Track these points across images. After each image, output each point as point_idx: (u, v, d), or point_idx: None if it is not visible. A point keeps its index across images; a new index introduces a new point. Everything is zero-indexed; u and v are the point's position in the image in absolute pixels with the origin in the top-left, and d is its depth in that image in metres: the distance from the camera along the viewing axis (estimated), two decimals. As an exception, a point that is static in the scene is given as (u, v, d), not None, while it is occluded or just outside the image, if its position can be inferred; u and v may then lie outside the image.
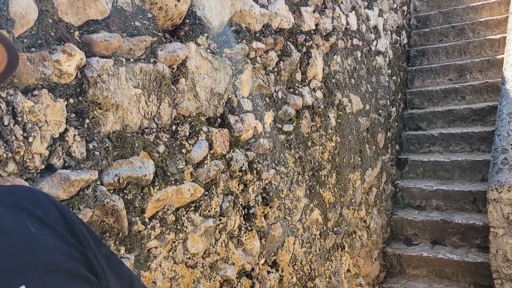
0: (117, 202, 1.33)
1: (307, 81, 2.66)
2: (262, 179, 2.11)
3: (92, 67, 1.28)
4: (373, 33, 4.00)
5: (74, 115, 1.26)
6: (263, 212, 2.11)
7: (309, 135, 2.61)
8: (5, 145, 1.08)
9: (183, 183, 1.60)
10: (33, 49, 1.15)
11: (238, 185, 1.94)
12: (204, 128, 1.75)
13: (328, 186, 2.81)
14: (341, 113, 3.08)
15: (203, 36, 1.77)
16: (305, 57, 2.64)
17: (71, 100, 1.24)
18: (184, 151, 1.63)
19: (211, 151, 1.77)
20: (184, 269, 1.61)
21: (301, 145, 2.50)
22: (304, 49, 2.63)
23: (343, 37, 3.24)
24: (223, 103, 1.88)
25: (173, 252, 1.56)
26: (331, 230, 2.83)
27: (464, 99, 4.65)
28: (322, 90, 2.83)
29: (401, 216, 4.04)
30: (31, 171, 1.15)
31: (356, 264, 3.25)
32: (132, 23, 1.45)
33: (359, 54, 3.59)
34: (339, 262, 2.94)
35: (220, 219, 1.82)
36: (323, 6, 2.95)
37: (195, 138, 1.69)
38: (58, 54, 1.19)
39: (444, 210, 3.96)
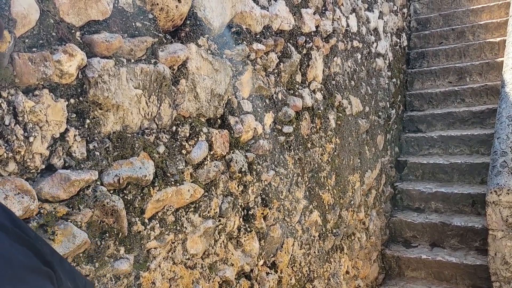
0: (117, 203, 1.33)
1: (307, 82, 2.66)
2: (261, 180, 2.11)
3: (93, 67, 1.28)
4: (373, 35, 4.01)
5: (75, 115, 1.26)
6: (263, 213, 2.11)
7: (308, 137, 2.61)
8: (5, 144, 1.08)
9: (183, 184, 1.61)
10: (34, 49, 1.15)
11: (238, 186, 1.94)
12: (204, 129, 1.75)
13: (327, 188, 2.81)
14: (341, 115, 3.09)
15: (203, 37, 1.78)
16: (305, 59, 2.65)
17: (72, 100, 1.24)
18: (184, 152, 1.63)
19: (211, 152, 1.77)
20: (183, 270, 1.61)
21: (300, 146, 2.51)
22: (304, 51, 2.64)
23: (343, 39, 3.25)
24: (223, 104, 1.88)
25: (172, 253, 1.56)
26: (330, 231, 2.83)
27: (464, 101, 4.66)
28: (322, 91, 2.83)
29: (400, 218, 4.05)
30: (31, 171, 1.15)
31: (355, 266, 3.25)
32: (133, 24, 1.46)
33: (359, 56, 3.59)
34: (338, 264, 2.94)
35: (219, 220, 1.82)
36: (323, 8, 2.96)
37: (195, 139, 1.69)
38: (59, 54, 1.19)
39: (443, 212, 3.96)
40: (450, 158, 4.24)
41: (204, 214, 1.72)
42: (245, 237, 1.97)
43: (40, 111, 1.15)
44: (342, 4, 3.29)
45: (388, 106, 4.33)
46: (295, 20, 2.54)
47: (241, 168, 1.95)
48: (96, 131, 1.31)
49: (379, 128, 3.96)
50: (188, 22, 1.71)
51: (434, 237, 3.83)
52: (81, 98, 1.27)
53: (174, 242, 1.57)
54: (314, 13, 2.79)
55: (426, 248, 3.84)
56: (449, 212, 3.94)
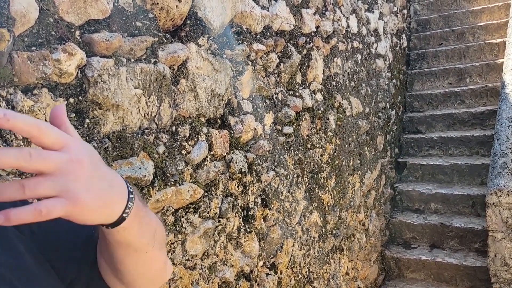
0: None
1: (307, 83, 2.65)
2: (261, 181, 2.10)
3: (92, 66, 1.27)
4: (374, 36, 4.01)
5: (74, 114, 1.25)
6: (262, 214, 2.10)
7: (309, 137, 2.60)
8: (4, 144, 1.07)
9: (183, 184, 1.60)
10: (33, 48, 1.14)
11: (238, 186, 1.94)
12: (204, 129, 1.74)
13: (327, 189, 2.80)
14: (341, 115, 3.08)
15: (204, 37, 1.77)
16: (306, 59, 2.64)
17: (71, 100, 1.24)
18: (184, 152, 1.63)
19: (211, 152, 1.77)
20: (183, 271, 1.60)
21: (300, 147, 2.50)
22: (305, 51, 2.63)
23: (343, 39, 3.24)
24: (223, 104, 1.87)
25: (172, 253, 1.55)
26: (330, 232, 2.83)
27: (464, 103, 4.65)
28: (322, 92, 2.83)
29: (399, 219, 4.04)
30: (30, 172, 1.14)
31: (354, 267, 3.24)
32: (133, 23, 1.45)
33: (359, 57, 3.59)
34: (338, 265, 2.94)
35: (219, 221, 1.81)
36: (323, 9, 2.95)
37: (195, 139, 1.69)
38: (59, 54, 1.18)
39: (443, 213, 3.96)
40: (450, 159, 4.24)
41: (203, 214, 1.71)
42: (244, 238, 1.97)
43: (39, 110, 1.14)
44: (343, 5, 3.28)
45: (388, 107, 4.32)
46: (295, 21, 2.53)
47: (241, 168, 1.94)
48: (95, 131, 1.31)
49: (379, 129, 3.96)
50: (188, 21, 1.70)
51: (434, 238, 3.82)
52: (80, 98, 1.26)
53: (173, 243, 1.56)
54: (315, 14, 2.78)
55: (425, 249, 3.83)
56: (449, 213, 3.94)
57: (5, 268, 0.57)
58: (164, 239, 0.74)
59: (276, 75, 2.32)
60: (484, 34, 5.06)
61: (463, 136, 4.28)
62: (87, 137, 1.28)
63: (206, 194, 1.73)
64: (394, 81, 4.59)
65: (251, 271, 2.01)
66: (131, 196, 0.57)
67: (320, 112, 2.76)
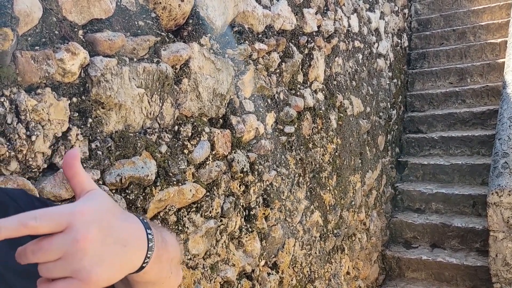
0: (119, 202, 1.32)
1: (308, 82, 2.65)
2: (263, 181, 2.10)
3: (95, 66, 1.27)
4: (375, 36, 4.01)
5: (77, 114, 1.25)
6: (264, 213, 2.11)
7: (310, 137, 2.60)
8: (8, 143, 1.07)
9: (185, 184, 1.60)
10: (37, 47, 1.14)
11: (240, 186, 1.94)
12: (206, 129, 1.74)
13: (328, 188, 2.81)
14: (342, 115, 3.08)
15: (206, 36, 1.77)
16: (307, 59, 2.64)
17: (74, 99, 1.24)
18: (186, 151, 1.63)
19: (213, 152, 1.77)
20: (185, 270, 1.60)
21: (302, 146, 2.50)
22: (306, 51, 2.63)
23: (344, 39, 3.24)
24: (225, 103, 1.87)
25: (174, 253, 1.56)
26: (331, 232, 2.83)
27: (465, 102, 4.65)
28: (323, 92, 2.83)
29: (400, 219, 4.04)
30: (33, 170, 1.14)
31: (355, 266, 3.24)
32: (136, 23, 1.45)
33: (361, 57, 3.59)
34: (339, 265, 2.94)
35: (221, 220, 1.81)
36: (325, 8, 2.95)
37: (197, 139, 1.69)
38: (62, 53, 1.18)
39: (444, 213, 3.96)
40: (450, 159, 4.24)
41: (206, 214, 1.71)
42: (246, 237, 1.97)
43: (43, 109, 1.14)
44: (344, 4, 3.28)
45: (389, 106, 4.32)
46: (297, 20, 2.53)
47: (243, 168, 1.95)
48: (98, 130, 1.31)
49: (380, 128, 3.96)
50: (190, 21, 1.70)
51: (435, 238, 3.82)
52: (83, 97, 1.26)
53: (175, 242, 1.56)
54: (316, 13, 2.78)
55: (426, 249, 3.83)
56: (449, 213, 3.94)
57: None
58: (180, 258, 0.74)
59: (277, 75, 2.32)
60: (485, 33, 5.06)
61: (464, 136, 4.28)
62: (90, 137, 1.28)
63: (208, 193, 1.73)
64: (395, 80, 4.59)
65: (253, 271, 2.02)
66: (150, 244, 0.56)
67: (321, 111, 2.76)
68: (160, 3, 1.53)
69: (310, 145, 2.60)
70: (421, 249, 3.86)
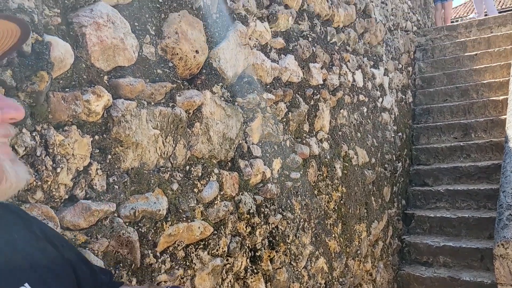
0: (131, 234, 1.41)
1: (314, 132, 2.78)
2: (269, 223, 2.17)
3: (117, 107, 1.41)
4: (379, 91, 4.18)
5: (98, 150, 1.37)
6: (269, 255, 2.16)
7: (315, 184, 2.69)
8: (35, 174, 1.18)
9: (194, 221, 1.68)
10: (67, 89, 1.28)
11: (246, 227, 2.01)
12: (216, 170, 1.85)
13: (333, 235, 2.85)
14: (347, 164, 3.18)
15: (218, 85, 1.92)
16: (313, 110, 2.78)
17: (97, 137, 1.36)
18: (196, 190, 1.72)
19: (221, 192, 1.86)
20: (191, 306, 1.65)
21: (307, 192, 2.58)
22: (312, 102, 2.78)
23: (349, 92, 3.40)
24: (234, 147, 1.99)
25: (181, 288, 1.61)
26: (336, 280, 2.84)
27: (470, 156, 4.72)
28: (328, 141, 2.94)
29: (408, 271, 4.01)
30: (55, 200, 1.24)
31: (362, 318, 3.21)
32: (155, 71, 1.60)
33: (365, 110, 3.73)
34: (344, 314, 2.92)
35: (227, 259, 1.87)
36: (330, 64, 3.13)
37: (207, 179, 1.79)
38: (89, 95, 1.32)
39: (452, 267, 3.92)
40: (457, 212, 4.25)
41: (212, 252, 1.78)
42: (251, 278, 2.01)
43: (68, 145, 1.26)
44: (349, 61, 3.47)
45: (394, 159, 4.41)
46: (303, 73, 2.70)
47: (250, 209, 2.03)
48: (116, 166, 1.42)
49: (385, 180, 4.03)
50: (204, 71, 1.85)
51: (443, 292, 3.77)
52: (104, 135, 1.38)
53: (183, 277, 1.62)
54: (322, 68, 2.96)
55: (435, 304, 3.77)
56: (457, 266, 3.90)
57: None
58: None
59: (284, 123, 2.45)
60: (487, 91, 5.22)
61: (470, 189, 4.31)
62: (109, 172, 1.39)
63: (215, 232, 1.80)
64: (400, 134, 4.71)
65: (257, 313, 2.04)
66: None
67: (326, 160, 2.86)
68: (177, 54, 1.69)
69: (316, 192, 2.68)
70: (429, 303, 3.80)
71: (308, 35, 2.83)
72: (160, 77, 1.62)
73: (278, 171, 2.31)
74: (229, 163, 1.96)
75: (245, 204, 2.00)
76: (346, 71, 3.38)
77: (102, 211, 1.33)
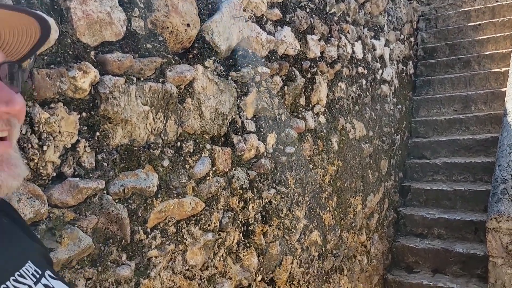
0: (121, 211, 1.41)
1: (310, 105, 2.75)
2: (262, 198, 2.18)
3: (105, 84, 1.38)
4: (379, 62, 4.11)
5: (86, 127, 1.36)
6: (262, 230, 2.18)
7: (311, 158, 2.68)
8: (21, 152, 1.17)
9: (185, 197, 1.69)
10: (52, 65, 1.26)
11: (239, 202, 2.02)
12: (208, 146, 1.84)
13: (328, 209, 2.87)
14: (344, 138, 3.16)
15: (210, 59, 1.88)
16: (310, 83, 2.75)
17: (84, 114, 1.34)
18: (187, 166, 1.72)
19: (213, 168, 1.86)
20: (182, 280, 1.67)
21: (302, 167, 2.58)
22: (309, 75, 2.74)
23: (348, 65, 3.35)
24: (227, 123, 1.97)
25: (172, 263, 1.63)
26: (330, 252, 2.87)
27: (469, 129, 4.71)
28: (325, 115, 2.92)
29: (402, 243, 4.06)
30: (43, 178, 1.24)
31: (355, 288, 3.27)
32: (144, 45, 1.57)
33: (364, 82, 3.69)
34: (337, 285, 2.97)
35: (219, 234, 1.89)
36: (329, 35, 3.07)
37: (199, 155, 1.78)
38: (75, 71, 1.29)
39: (446, 238, 3.97)
40: (453, 185, 4.27)
41: (204, 227, 1.79)
42: (244, 252, 2.03)
43: (54, 122, 1.24)
44: (348, 32, 3.40)
45: (393, 131, 4.39)
46: (300, 46, 2.65)
47: (242, 185, 2.03)
48: (105, 143, 1.41)
49: (382, 153, 4.02)
50: (196, 45, 1.82)
51: (436, 263, 3.83)
52: (92, 112, 1.37)
53: (174, 253, 1.64)
54: (320, 40, 2.90)
55: (428, 274, 3.84)
56: (451, 238, 3.95)
57: None
58: None
59: (280, 97, 2.42)
60: (489, 63, 5.15)
61: (467, 162, 4.32)
62: (97, 149, 1.38)
63: (207, 207, 1.81)
64: (399, 106, 4.67)
65: (249, 285, 2.07)
66: None
67: (322, 134, 2.85)
68: (168, 28, 1.65)
69: (311, 166, 2.68)
70: (422, 274, 3.87)
71: (306, 6, 2.76)
72: (150, 52, 1.59)
73: (272, 145, 2.30)
74: (222, 139, 1.95)
75: (238, 179, 2.00)
76: (345, 43, 3.32)
77: (91, 188, 1.33)
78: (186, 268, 1.70)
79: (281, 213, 2.34)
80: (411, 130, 5.04)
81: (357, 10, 3.62)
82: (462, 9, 6.02)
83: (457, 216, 3.96)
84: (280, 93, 2.43)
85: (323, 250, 2.79)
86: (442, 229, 4.00)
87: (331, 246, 2.89)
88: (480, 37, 5.45)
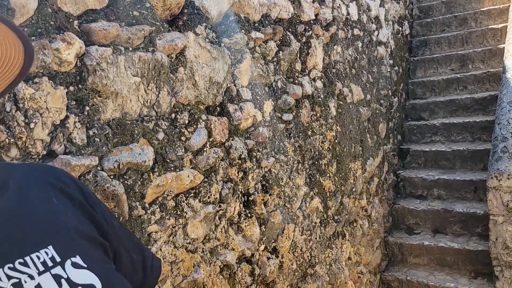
0: (117, 187, 1.37)
1: (307, 71, 2.68)
2: (261, 167, 2.14)
3: (91, 55, 1.31)
4: (375, 23, 4.01)
5: (75, 102, 1.29)
6: (263, 199, 2.14)
7: (309, 124, 2.63)
8: (7, 130, 1.11)
9: (183, 170, 1.64)
10: (33, 38, 1.18)
11: (238, 172, 1.97)
12: (203, 116, 1.78)
13: (328, 175, 2.84)
14: (341, 102, 3.10)
15: (201, 25, 1.80)
16: (305, 47, 2.66)
17: (71, 88, 1.28)
18: (183, 138, 1.66)
19: (210, 139, 1.80)
20: (184, 254, 1.65)
21: (301, 134, 2.53)
22: (304, 39, 2.65)
23: (343, 27, 3.25)
24: (222, 92, 1.91)
25: (173, 237, 1.60)
26: (331, 218, 2.86)
27: (466, 88, 4.65)
28: (322, 80, 2.85)
29: (402, 205, 4.07)
30: (33, 157, 1.19)
31: (357, 252, 3.28)
32: (131, 13, 1.48)
33: (360, 44, 3.60)
34: (340, 250, 2.98)
35: (220, 206, 1.85)
36: (323, -4, 2.96)
37: (194, 126, 1.72)
38: (58, 43, 1.22)
39: (446, 199, 3.98)
40: (452, 145, 4.25)
41: (204, 199, 1.75)
42: (245, 222, 2.01)
43: (40, 98, 1.18)
44: (342, -8, 3.29)
45: (390, 94, 4.33)
46: (294, 9, 2.55)
47: (241, 154, 1.98)
48: (95, 118, 1.35)
49: (381, 116, 3.97)
50: (185, 11, 1.73)
51: (437, 223, 3.85)
52: (80, 86, 1.30)
53: (174, 227, 1.60)
54: (313, 2, 2.80)
55: (428, 235, 3.86)
56: (451, 198, 3.96)
57: None
58: None
59: (275, 63, 2.34)
60: (486, 19, 5.04)
61: (466, 122, 4.28)
62: (88, 124, 1.32)
63: (206, 179, 1.77)
64: (396, 68, 4.59)
65: (253, 255, 2.06)
66: None
67: (320, 99, 2.78)
68: (154, -7, 1.56)
69: (309, 133, 2.63)
70: (423, 235, 3.89)
71: (298, -34, 2.65)
72: (137, 20, 1.50)
73: (269, 113, 2.25)
74: (218, 108, 1.89)
75: (236, 149, 1.95)
76: (339, 4, 3.21)
77: (84, 165, 1.28)
78: (188, 241, 1.67)
79: (281, 182, 2.30)
80: (408, 92, 4.98)
81: (351, -31, 3.48)
82: (458, -35, 5.84)
83: (456, 176, 3.96)
84: (275, 58, 2.35)
85: (325, 216, 2.78)
86: (442, 190, 4.01)
87: (332, 212, 2.88)
88: (476, -7, 5.31)
